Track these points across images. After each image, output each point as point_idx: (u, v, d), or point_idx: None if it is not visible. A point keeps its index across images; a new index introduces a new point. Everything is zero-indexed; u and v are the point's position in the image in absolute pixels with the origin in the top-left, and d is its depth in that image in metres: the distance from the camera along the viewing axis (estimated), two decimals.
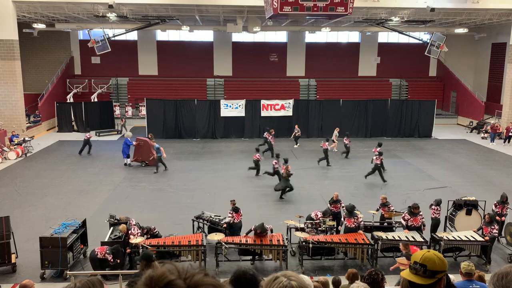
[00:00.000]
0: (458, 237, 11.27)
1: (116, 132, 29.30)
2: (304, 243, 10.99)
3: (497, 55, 34.50)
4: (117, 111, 32.57)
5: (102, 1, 22.75)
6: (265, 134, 24.20)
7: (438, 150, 24.87)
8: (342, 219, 12.31)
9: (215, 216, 12.83)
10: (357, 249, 11.04)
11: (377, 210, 12.94)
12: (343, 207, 13.11)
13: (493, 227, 11.38)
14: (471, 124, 32.37)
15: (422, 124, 29.11)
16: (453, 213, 12.95)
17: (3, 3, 23.49)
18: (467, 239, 11.19)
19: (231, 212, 12.28)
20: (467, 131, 31.37)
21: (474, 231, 11.70)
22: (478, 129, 30.60)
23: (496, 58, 34.73)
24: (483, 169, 20.97)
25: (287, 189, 16.43)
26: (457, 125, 34.18)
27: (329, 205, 13.22)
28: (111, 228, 11.74)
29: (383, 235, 11.23)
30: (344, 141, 22.85)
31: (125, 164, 20.97)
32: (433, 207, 12.51)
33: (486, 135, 28.52)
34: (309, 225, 12.15)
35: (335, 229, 12.48)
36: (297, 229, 12.03)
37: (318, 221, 12.31)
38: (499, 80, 33.77)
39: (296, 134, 26.08)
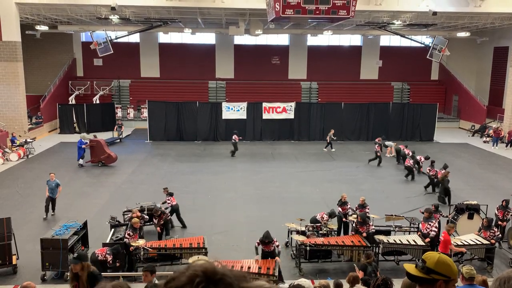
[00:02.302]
0: (466, 242, 11.16)
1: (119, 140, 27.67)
2: (301, 246, 10.93)
3: (499, 59, 34.45)
4: (119, 113, 32.62)
5: (104, 3, 22.81)
6: (376, 140, 23.72)
7: (440, 154, 24.79)
8: (355, 225, 12.07)
9: (152, 203, 13.51)
10: (353, 252, 10.96)
11: (355, 210, 12.89)
12: (348, 210, 13.18)
13: (493, 230, 11.33)
14: (473, 128, 32.32)
15: (424, 128, 29.08)
16: (455, 217, 12.92)
17: (6, 5, 23.56)
18: (475, 243, 11.12)
19: (168, 197, 13.41)
20: (469, 135, 31.32)
21: (476, 234, 11.68)
22: (480, 133, 30.55)
23: (498, 62, 34.68)
24: (485, 173, 20.92)
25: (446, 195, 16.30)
26: (459, 129, 34.14)
27: (338, 207, 13.31)
28: (112, 229, 11.74)
29: (384, 238, 11.18)
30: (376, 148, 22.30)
31: (80, 165, 21.06)
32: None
33: (488, 139, 28.47)
34: (310, 228, 12.13)
35: (335, 232, 12.49)
36: (298, 232, 12.00)
37: (320, 224, 12.30)
38: (501, 84, 33.71)
39: (329, 139, 25.32)
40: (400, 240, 11.17)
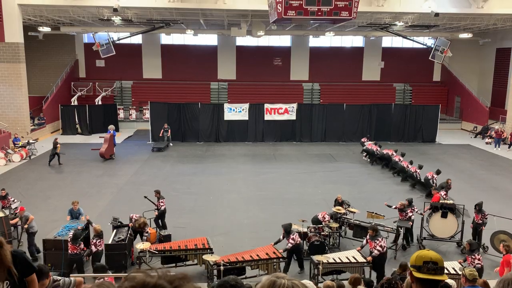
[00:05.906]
0: (449, 271, 9.99)
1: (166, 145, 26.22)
2: (213, 266, 10.13)
3: (502, 60, 34.43)
4: (121, 114, 32.68)
5: (107, 4, 22.87)
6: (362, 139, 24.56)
7: (442, 155, 24.79)
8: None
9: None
10: (269, 265, 10.49)
11: (395, 208, 13.11)
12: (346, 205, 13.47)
13: (473, 256, 10.02)
14: (475, 129, 32.27)
15: (426, 129, 29.04)
16: (429, 216, 13.02)
17: (9, 6, 23.64)
18: (456, 273, 9.85)
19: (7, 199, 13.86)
20: (471, 136, 31.26)
21: (460, 262, 10.50)
22: (483, 134, 30.49)
23: (501, 63, 34.66)
24: (487, 175, 20.87)
25: None
26: (461, 130, 34.07)
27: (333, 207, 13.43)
28: (114, 230, 11.75)
29: (323, 259, 10.25)
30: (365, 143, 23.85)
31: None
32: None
33: (490, 140, 28.42)
34: (312, 230, 12.11)
35: (338, 232, 12.49)
36: (300, 233, 11.95)
37: (321, 225, 12.29)
38: (504, 85, 33.68)
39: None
40: (340, 259, 10.53)
